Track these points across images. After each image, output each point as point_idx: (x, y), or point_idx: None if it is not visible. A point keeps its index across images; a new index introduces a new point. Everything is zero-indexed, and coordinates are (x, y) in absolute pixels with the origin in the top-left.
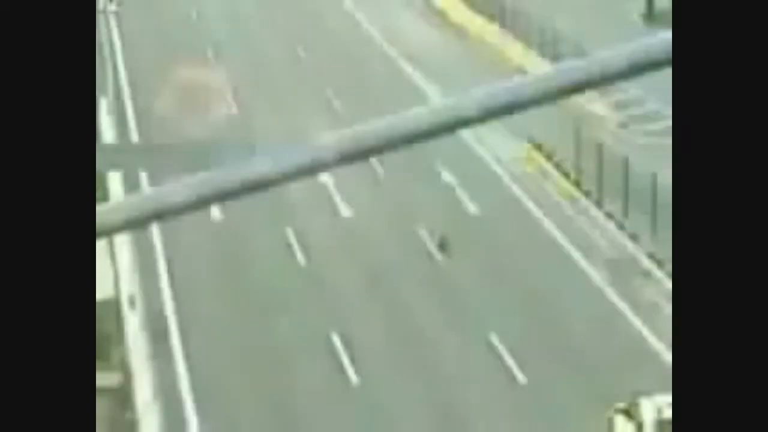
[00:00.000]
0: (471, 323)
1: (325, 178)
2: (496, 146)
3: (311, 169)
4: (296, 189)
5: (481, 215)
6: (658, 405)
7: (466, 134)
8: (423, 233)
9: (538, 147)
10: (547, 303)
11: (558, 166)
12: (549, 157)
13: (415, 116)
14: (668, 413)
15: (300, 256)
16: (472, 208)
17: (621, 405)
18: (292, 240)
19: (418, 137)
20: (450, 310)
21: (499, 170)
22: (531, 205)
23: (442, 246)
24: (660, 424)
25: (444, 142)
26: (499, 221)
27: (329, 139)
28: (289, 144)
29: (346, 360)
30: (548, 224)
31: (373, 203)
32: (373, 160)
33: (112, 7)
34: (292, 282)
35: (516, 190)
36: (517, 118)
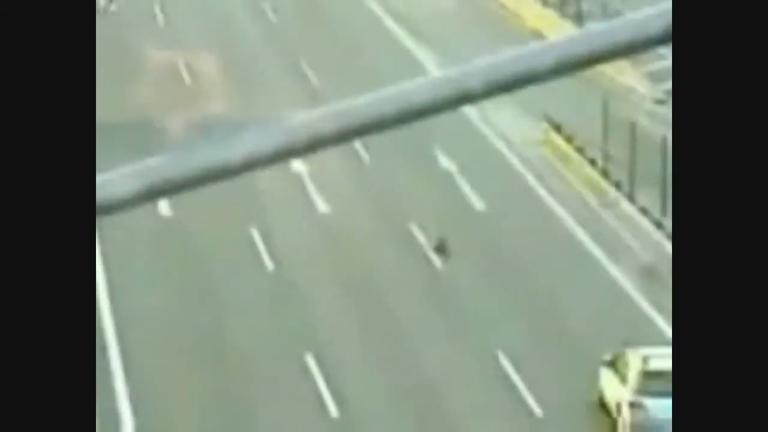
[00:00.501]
0: (477, 346)
1: (298, 165)
2: (505, 126)
3: (281, 155)
4: (263, 179)
5: (488, 211)
6: (644, 356)
7: (469, 112)
8: (417, 233)
9: (557, 127)
10: (568, 321)
11: (581, 150)
12: (570, 139)
13: (407, 91)
14: (654, 364)
15: (267, 261)
16: (476, 201)
17: (606, 357)
18: (258, 241)
19: (410, 115)
20: (450, 329)
21: (509, 156)
22: (548, 199)
23: (441, 249)
24: (646, 374)
25: (442, 122)
26: (509, 218)
27: (303, 119)
28: (255, 125)
29: (323, 388)
30: (569, 222)
31: (356, 196)
32: (357, 144)
33: (113, 7)
34: (258, 292)
35: (530, 179)
36: (531, 93)
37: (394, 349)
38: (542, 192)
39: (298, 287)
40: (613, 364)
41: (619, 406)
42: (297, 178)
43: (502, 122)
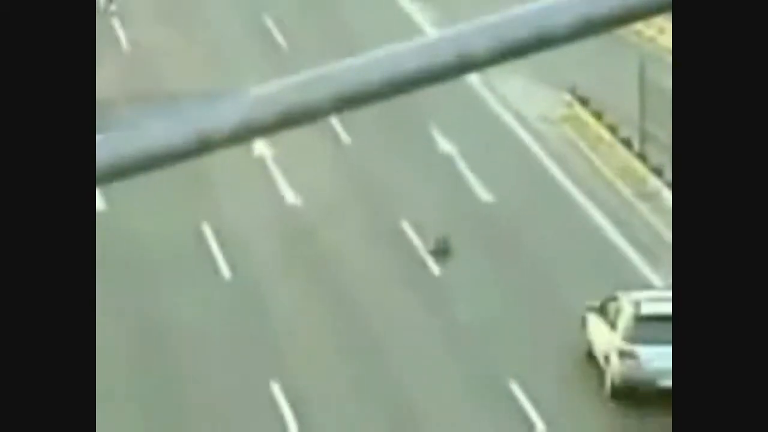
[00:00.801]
0: (484, 377)
1: (261, 147)
2: (518, 99)
3: (241, 135)
4: (217, 164)
5: (497, 204)
6: (636, 300)
7: (473, 81)
8: (410, 232)
9: (583, 100)
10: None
11: (613, 128)
12: (599, 115)
13: (397, 55)
14: (647, 308)
15: (223, 267)
16: (482, 192)
17: (594, 303)
18: (211, 242)
19: (401, 85)
20: (451, 358)
21: (522, 136)
22: (571, 189)
23: (439, 251)
24: (638, 320)
25: (441, 94)
26: (522, 213)
27: (268, 91)
28: (210, 98)
29: (291, 425)
30: (598, 218)
31: (333, 186)
32: (335, 121)
33: (113, 8)
34: (211, 306)
35: (549, 165)
36: (550, 57)
37: (379, 385)
38: (564, 180)
39: (261, 301)
40: (601, 310)
41: (607, 356)
42: (260, 162)
43: (514, 94)
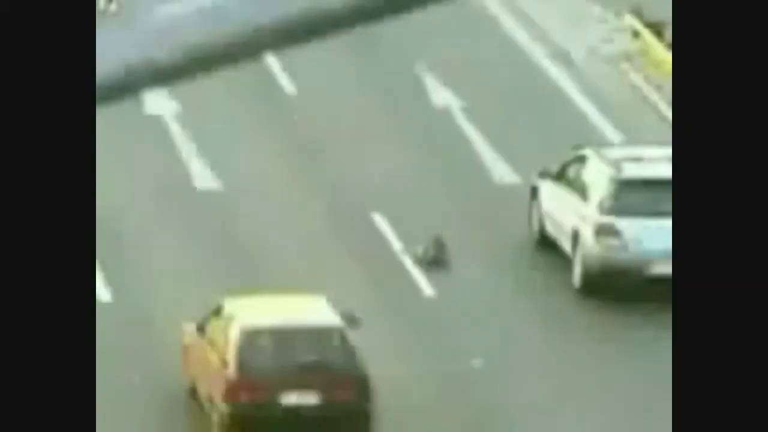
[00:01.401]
0: None
1: (159, 101)
2: (555, 25)
3: (136, 80)
4: (111, 127)
5: (521, 184)
6: (616, 159)
7: None
8: (386, 229)
9: (656, 27)
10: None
11: None
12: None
13: None
14: (631, 171)
15: (98, 282)
16: (497, 168)
17: (549, 169)
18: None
19: (374, 8)
20: (449, 409)
21: (560, 81)
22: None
23: (432, 261)
24: (620, 184)
25: (437, 17)
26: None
27: (173, 15)
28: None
29: None
30: None
31: (268, 160)
32: (272, 60)
33: (113, 7)
34: (108, 339)
35: (600, 124)
36: None
37: None
38: (623, 144)
39: (157, 338)
40: (561, 176)
41: (576, 235)
42: (156, 123)
43: (549, 18)
